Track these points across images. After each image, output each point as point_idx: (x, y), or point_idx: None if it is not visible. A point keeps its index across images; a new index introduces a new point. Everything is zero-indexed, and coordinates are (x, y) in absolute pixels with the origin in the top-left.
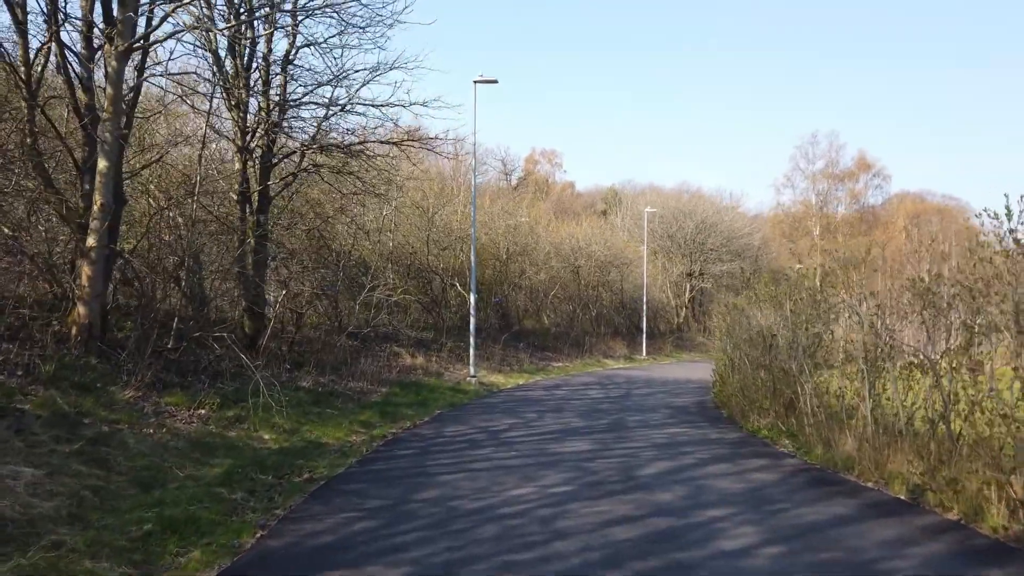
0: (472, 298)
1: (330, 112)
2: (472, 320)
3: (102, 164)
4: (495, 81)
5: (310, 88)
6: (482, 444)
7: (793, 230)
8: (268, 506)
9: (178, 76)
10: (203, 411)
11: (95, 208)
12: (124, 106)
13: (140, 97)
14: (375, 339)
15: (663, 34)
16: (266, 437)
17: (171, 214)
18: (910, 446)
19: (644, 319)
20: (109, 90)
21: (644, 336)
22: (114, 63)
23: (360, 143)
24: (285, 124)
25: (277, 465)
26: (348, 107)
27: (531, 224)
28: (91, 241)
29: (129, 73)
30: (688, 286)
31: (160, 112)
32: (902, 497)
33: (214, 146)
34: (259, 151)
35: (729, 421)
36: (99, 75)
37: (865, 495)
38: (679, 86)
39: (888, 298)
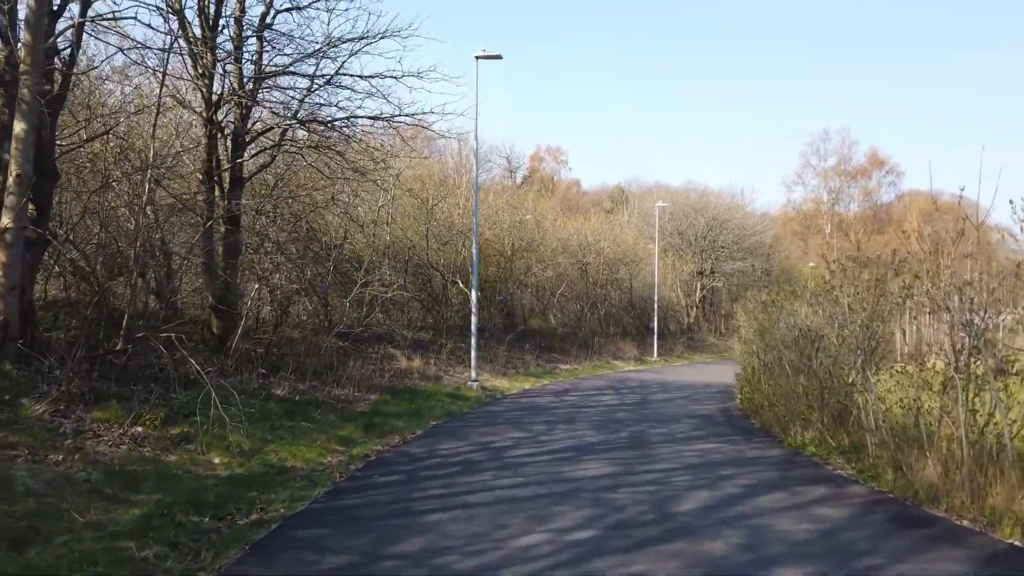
0: (474, 295)
1: (314, 85)
2: (474, 319)
3: (19, 127)
4: (499, 56)
5: (293, 57)
6: (482, 467)
7: (804, 228)
8: (189, 568)
9: (125, 24)
10: (140, 429)
11: (10, 180)
12: (59, 63)
13: (97, 63)
14: (368, 340)
15: (662, 28)
16: (216, 461)
17: (135, 199)
18: (1020, 476)
19: (656, 319)
20: (26, 36)
21: (655, 337)
22: (32, 3)
23: (347, 118)
24: (261, 97)
25: (221, 501)
26: (334, 79)
27: (537, 219)
28: (5, 220)
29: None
30: (699, 285)
31: (94, 69)
32: (1017, 543)
33: (181, 118)
34: (231, 126)
35: (764, 433)
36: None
37: (971, 541)
38: (679, 80)
39: (981, 291)
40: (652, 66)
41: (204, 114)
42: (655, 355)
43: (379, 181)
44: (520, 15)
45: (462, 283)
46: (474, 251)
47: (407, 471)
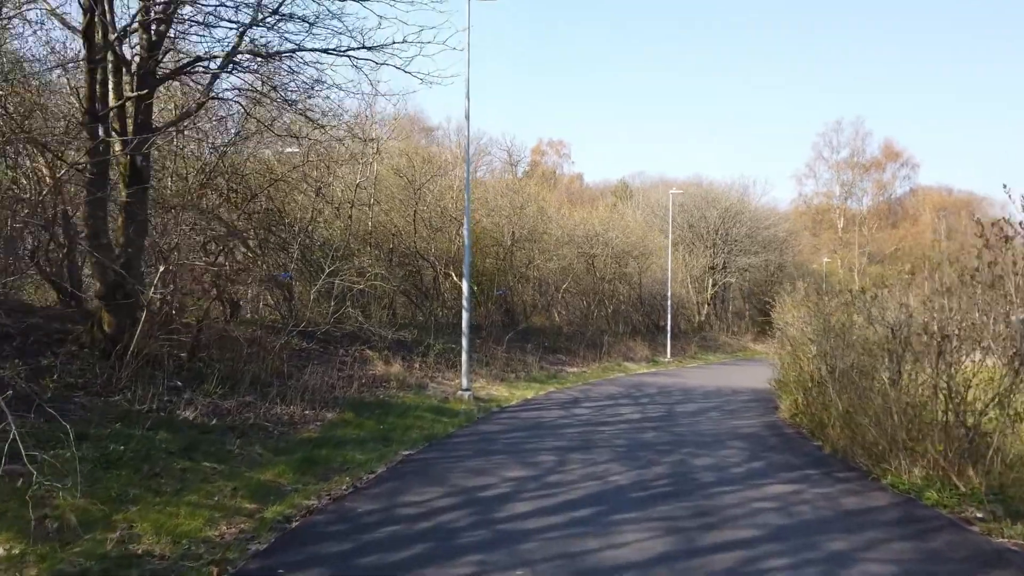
0: (465, 286)
1: (260, 14)
2: (465, 316)
3: None
4: None
5: None
6: (461, 543)
7: (816, 223)
8: None
9: None
10: None
11: None
12: None
13: None
14: (340, 340)
15: (663, 20)
16: None
17: None
18: None
19: (669, 316)
20: None
21: (669, 336)
22: None
23: (293, 51)
24: (179, 22)
25: None
26: (283, 7)
27: (540, 205)
28: None
29: None
30: (711, 281)
31: None
32: None
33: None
34: (136, 58)
35: (842, 463)
36: None
37: None
38: (683, 73)
39: None
40: (655, 59)
41: (77, 27)
42: (668, 356)
43: (349, 145)
44: (517, 9)
45: (456, 276)
46: (465, 232)
47: (335, 556)
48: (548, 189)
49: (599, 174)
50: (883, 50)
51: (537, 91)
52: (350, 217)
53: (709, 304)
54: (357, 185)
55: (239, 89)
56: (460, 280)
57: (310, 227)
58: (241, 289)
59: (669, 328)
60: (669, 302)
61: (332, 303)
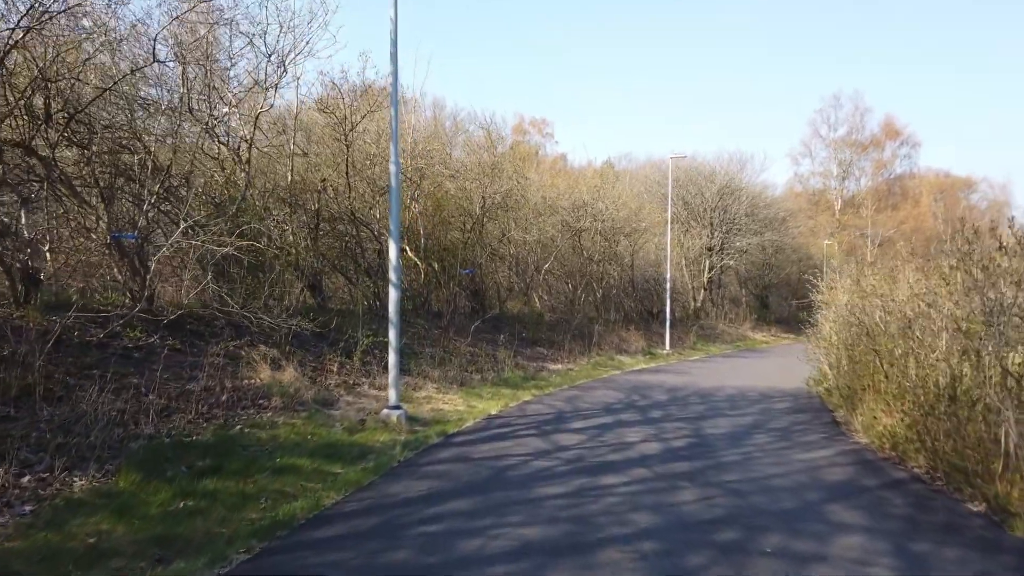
0: (393, 251)
1: None
2: (393, 294)
3: None
4: None
5: None
6: None
7: (813, 205)
8: None
9: None
10: None
11: None
12: None
13: None
14: (221, 332)
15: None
16: None
17: None
18: None
19: (668, 302)
20: None
21: (668, 325)
22: None
23: None
24: None
25: None
26: None
27: (515, 165)
28: None
29: None
30: (708, 264)
31: None
32: None
33: None
34: None
35: None
36: None
37: None
38: (670, 54)
39: None
40: (644, 36)
41: None
42: (667, 347)
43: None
44: None
45: (411, 251)
46: (392, 165)
47: None
48: (530, 167)
49: (584, 157)
50: (879, 36)
51: (518, 68)
52: (248, 162)
53: (706, 289)
54: (257, 116)
55: None
56: (416, 256)
57: (171, 167)
58: (70, 258)
59: (668, 316)
60: (668, 285)
61: (187, 274)
